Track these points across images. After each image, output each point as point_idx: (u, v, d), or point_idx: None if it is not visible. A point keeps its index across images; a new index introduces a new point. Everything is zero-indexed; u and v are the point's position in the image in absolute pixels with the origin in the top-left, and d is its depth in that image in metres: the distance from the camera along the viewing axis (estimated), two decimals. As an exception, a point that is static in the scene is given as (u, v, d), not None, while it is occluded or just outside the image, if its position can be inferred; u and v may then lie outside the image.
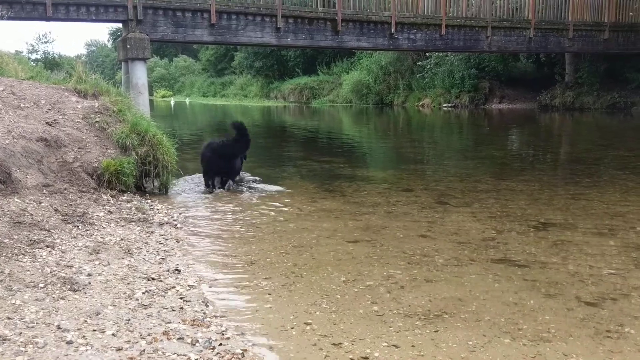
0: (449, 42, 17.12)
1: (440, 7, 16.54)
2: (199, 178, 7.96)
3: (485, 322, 3.23)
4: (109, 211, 5.17)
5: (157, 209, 5.74)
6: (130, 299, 3.35)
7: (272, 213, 5.95)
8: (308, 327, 3.16)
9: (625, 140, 12.96)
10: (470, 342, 2.99)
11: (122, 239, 4.49)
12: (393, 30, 15.90)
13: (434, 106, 27.07)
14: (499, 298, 3.58)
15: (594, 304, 3.49)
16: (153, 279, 3.72)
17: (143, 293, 3.46)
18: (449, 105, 26.75)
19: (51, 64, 34.86)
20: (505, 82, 26.64)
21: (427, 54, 27.43)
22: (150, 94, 49.48)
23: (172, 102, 44.80)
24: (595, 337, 3.05)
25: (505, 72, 26.72)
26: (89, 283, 3.50)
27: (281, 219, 5.70)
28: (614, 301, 3.53)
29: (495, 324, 3.21)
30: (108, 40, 72.39)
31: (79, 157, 5.73)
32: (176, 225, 5.19)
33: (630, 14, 19.19)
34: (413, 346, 2.96)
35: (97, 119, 6.33)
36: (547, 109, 24.13)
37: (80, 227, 4.55)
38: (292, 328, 3.15)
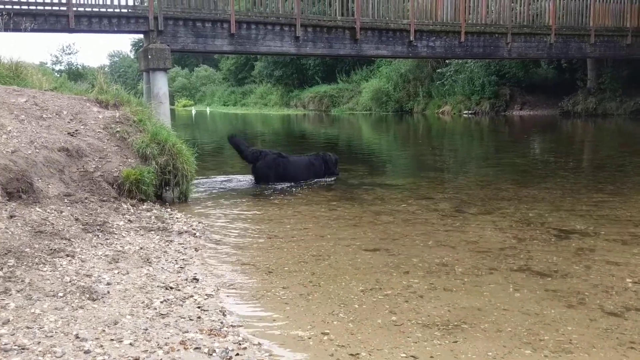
0: (469, 49, 17.02)
1: (460, 13, 16.47)
2: (218, 185, 8.03)
3: (506, 333, 3.17)
4: (129, 220, 5.21)
5: (177, 218, 5.76)
6: (149, 308, 3.36)
7: (291, 221, 5.94)
8: (325, 337, 3.13)
9: (650, 147, 12.72)
10: (490, 353, 2.93)
11: (141, 248, 4.51)
12: (412, 37, 15.87)
13: (454, 113, 26.92)
14: (520, 308, 3.51)
15: (617, 314, 3.40)
16: (171, 287, 3.73)
17: (161, 302, 3.46)
18: (469, 112, 26.59)
19: (75, 74, 35.55)
20: (526, 88, 26.41)
21: (447, 61, 27.32)
22: (172, 103, 50.06)
23: (193, 112, 45.26)
24: (619, 349, 2.97)
25: (526, 79, 26.49)
26: (108, 292, 3.52)
27: (300, 227, 5.69)
28: (638, 312, 3.43)
29: (515, 335, 3.14)
30: (130, 51, 73.62)
31: (99, 166, 5.79)
32: (195, 234, 5.21)
33: (654, 18, 18.90)
34: (432, 357, 2.91)
35: (118, 129, 6.40)
36: (569, 115, 23.84)
37: (100, 236, 4.59)
38: (310, 338, 3.13)
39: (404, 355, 2.93)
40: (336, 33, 15.13)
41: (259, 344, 3.01)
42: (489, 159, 12.05)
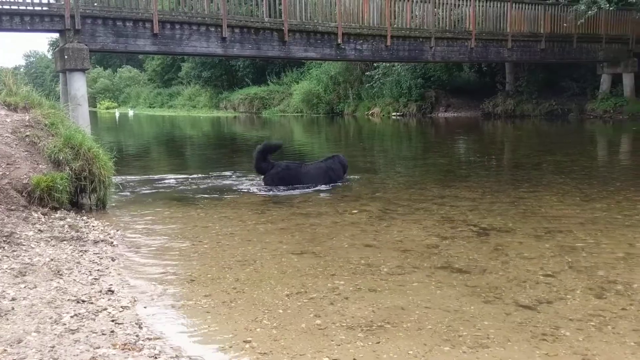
0: (395, 52, 17.36)
1: (385, 18, 16.76)
2: (138, 192, 7.76)
3: (427, 331, 3.21)
4: (39, 230, 4.91)
5: (93, 226, 5.51)
6: (57, 323, 3.16)
7: (216, 227, 5.81)
8: (247, 346, 3.05)
9: (562, 146, 13.42)
10: (411, 352, 2.96)
11: (52, 260, 4.26)
12: (340, 40, 15.99)
13: (383, 115, 27.43)
14: (441, 305, 3.57)
15: (531, 307, 3.53)
16: (83, 301, 3.53)
17: (71, 317, 3.27)
18: (398, 114, 27.16)
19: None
20: (450, 91, 27.29)
21: (375, 64, 27.79)
22: (94, 105, 48.25)
23: (117, 114, 43.70)
24: (532, 341, 3.08)
25: (450, 82, 27.39)
26: (12, 308, 3.28)
27: (225, 231, 5.58)
28: (550, 304, 3.57)
29: (436, 332, 3.19)
30: (48, 51, 70.24)
31: (7, 173, 5.43)
32: (112, 242, 4.99)
33: (564, 25, 20.00)
34: (354, 359, 2.90)
35: (28, 133, 6.04)
36: (490, 116, 24.86)
37: (6, 248, 4.29)
38: (231, 347, 3.04)
39: (327, 358, 2.90)
40: (264, 34, 15.02)
41: (177, 356, 2.90)
42: (415, 159, 12.34)
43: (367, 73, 28.82)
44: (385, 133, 20.69)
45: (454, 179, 8.70)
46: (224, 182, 8.76)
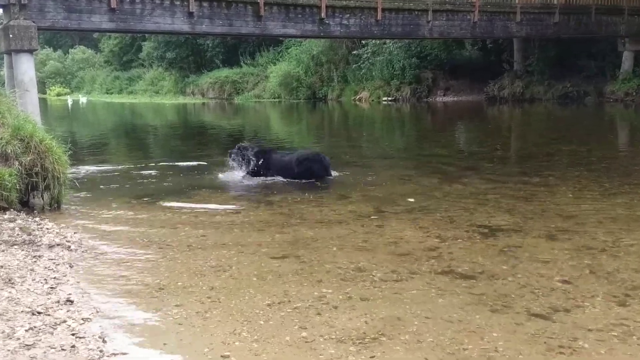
0: (386, 27, 17.40)
1: (376, -11, 16.79)
2: (97, 189, 7.74)
3: (427, 344, 3.27)
4: (-15, 234, 4.90)
5: (47, 229, 5.51)
6: (10, 338, 3.18)
7: (187, 227, 5.83)
8: (226, 361, 3.10)
9: (578, 134, 13.62)
10: (411, 367, 3.02)
11: (1, 267, 4.26)
12: (323, 14, 15.99)
13: (373, 100, 27.53)
14: (443, 315, 3.63)
15: (545, 316, 3.61)
16: (39, 312, 3.55)
17: (26, 330, 3.29)
18: (389, 98, 27.29)
19: None
20: (450, 72, 27.45)
21: (363, 42, 27.85)
22: (43, 91, 47.56)
23: (70, 101, 43.25)
24: (547, 354, 3.15)
25: (449, 61, 27.54)
26: (-43, 323, 3.28)
27: (196, 234, 5.60)
28: (567, 313, 3.65)
29: (438, 345, 3.25)
30: (-12, 29, 69.25)
31: (-55, 169, 5.40)
32: (70, 246, 5.00)
33: (582, -6, 20.06)
34: (346, 376, 2.96)
35: (-31, 123, 6.01)
36: (495, 100, 25.06)
37: (-53, 254, 4.28)
38: (207, 363, 3.08)
39: (316, 375, 2.96)
40: (237, 8, 14.96)
41: (147, 373, 2.93)
42: (410, 151, 12.42)
43: (355, 52, 28.88)
44: (375, 120, 20.78)
45: (455, 173, 8.79)
46: (193, 177, 8.77)
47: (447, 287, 4.11)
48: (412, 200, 6.87)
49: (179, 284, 4.25)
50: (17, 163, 5.90)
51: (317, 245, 5.14)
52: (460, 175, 8.53)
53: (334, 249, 5.05)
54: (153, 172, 9.28)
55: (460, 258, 4.72)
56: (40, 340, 3.18)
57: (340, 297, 3.95)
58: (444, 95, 27.00)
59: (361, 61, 28.40)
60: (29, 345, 3.11)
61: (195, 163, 10.01)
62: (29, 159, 6.00)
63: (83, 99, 44.37)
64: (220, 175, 8.68)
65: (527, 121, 19.02)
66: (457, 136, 15.05)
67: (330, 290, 4.07)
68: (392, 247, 5.07)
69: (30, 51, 12.45)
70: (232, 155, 8.60)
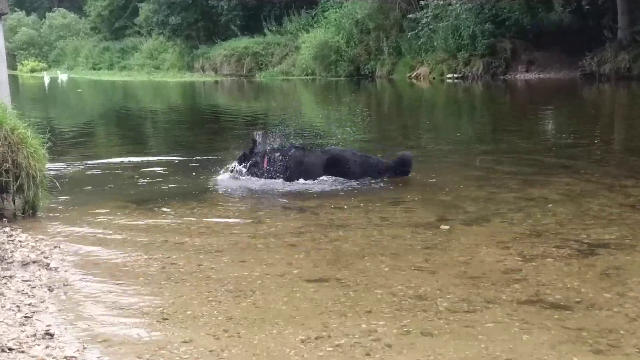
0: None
1: None
2: (82, 191, 7.85)
3: (510, 395, 3.23)
4: (-56, 247, 5.02)
5: (20, 241, 5.60)
6: (-26, 382, 3.23)
7: (195, 241, 5.87)
8: (248, 414, 3.11)
9: None
10: None
11: (-37, 289, 4.36)
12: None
13: (434, 77, 27.44)
14: (530, 356, 3.59)
15: (665, 360, 3.54)
16: (10, 349, 3.60)
17: (-5, 371, 3.34)
18: (455, 75, 27.15)
19: None
20: (534, 41, 27.16)
21: (422, 2, 27.69)
22: (13, 67, 48.68)
23: (47, 79, 44.13)
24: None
25: (533, 27, 27.21)
26: None
27: (208, 249, 5.63)
28: (693, 355, 3.58)
29: (524, 397, 3.21)
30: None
31: None
32: (48, 264, 5.07)
33: None
34: None
35: None
36: (594, 78, 24.68)
37: None
38: (224, 416, 3.10)
39: None
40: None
41: None
42: (483, 143, 12.31)
43: (411, 16, 28.75)
44: (437, 104, 20.71)
45: (542, 172, 8.68)
46: (204, 176, 8.82)
47: (534, 319, 4.06)
48: (486, 206, 6.80)
49: (188, 312, 4.27)
50: (-18, 158, 6.01)
51: (364, 265, 5.13)
52: (549, 175, 8.42)
53: (386, 269, 5.03)
54: (153, 170, 9.40)
55: (550, 283, 4.66)
56: (13, 383, 3.24)
57: (395, 332, 3.93)
58: (526, 71, 26.75)
59: (419, 28, 28.26)
60: (-1, 390, 3.17)
61: (206, 160, 10.06)
62: (-2, 152, 6.10)
63: (63, 76, 45.08)
64: (238, 175, 8.70)
65: (636, 106, 18.68)
66: (544, 125, 14.85)
67: (382, 323, 4.05)
68: (461, 267, 5.02)
69: None
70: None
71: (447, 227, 6.07)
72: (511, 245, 5.52)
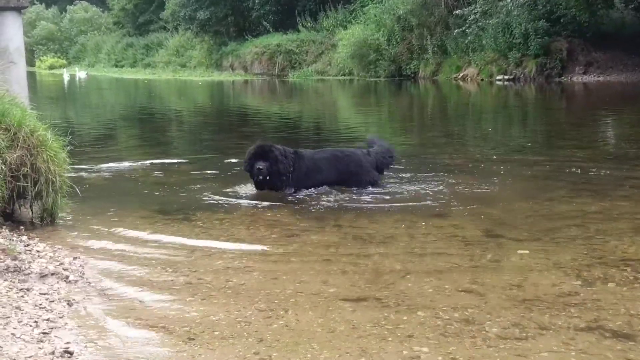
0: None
1: None
2: (104, 198, 7.92)
3: None
4: (-42, 256, 5.09)
5: (38, 251, 5.65)
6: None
7: (225, 255, 5.89)
8: None
9: None
10: None
11: (-24, 302, 4.41)
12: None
13: (482, 79, 27.30)
14: (589, 390, 3.55)
15: None
16: (28, 368, 3.64)
17: (10, 393, 3.38)
18: (506, 77, 26.99)
19: None
20: (593, 41, 26.90)
21: (470, -2, 27.60)
22: (31, 63, 49.38)
23: (67, 77, 44.69)
24: None
25: (592, 26, 26.95)
26: None
27: (237, 264, 5.65)
28: None
29: None
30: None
31: None
32: (67, 277, 5.11)
33: None
34: None
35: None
36: (660, 82, 24.41)
37: None
38: None
39: None
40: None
41: None
42: (536, 152, 12.20)
43: (457, 12, 28.67)
44: (486, 108, 20.59)
45: (602, 186, 8.59)
46: (233, 184, 8.85)
47: (593, 349, 4.00)
48: (540, 221, 6.74)
49: (216, 333, 4.28)
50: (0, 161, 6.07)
51: (406, 285, 5.11)
52: (610, 188, 8.34)
53: (430, 290, 5.00)
54: (179, 176, 9.46)
55: (611, 308, 4.60)
56: (29, 406, 3.27)
57: (440, 358, 3.91)
58: (584, 73, 26.51)
59: (466, 25, 28.13)
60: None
61: (235, 166, 10.09)
62: (15, 155, 6.17)
63: (81, 74, 45.50)
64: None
65: None
66: (605, 132, 14.69)
67: (425, 349, 4.03)
68: (513, 290, 4.98)
69: (18, 9, 12.88)
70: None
71: (526, 251, 5.98)
72: (568, 266, 5.46)
